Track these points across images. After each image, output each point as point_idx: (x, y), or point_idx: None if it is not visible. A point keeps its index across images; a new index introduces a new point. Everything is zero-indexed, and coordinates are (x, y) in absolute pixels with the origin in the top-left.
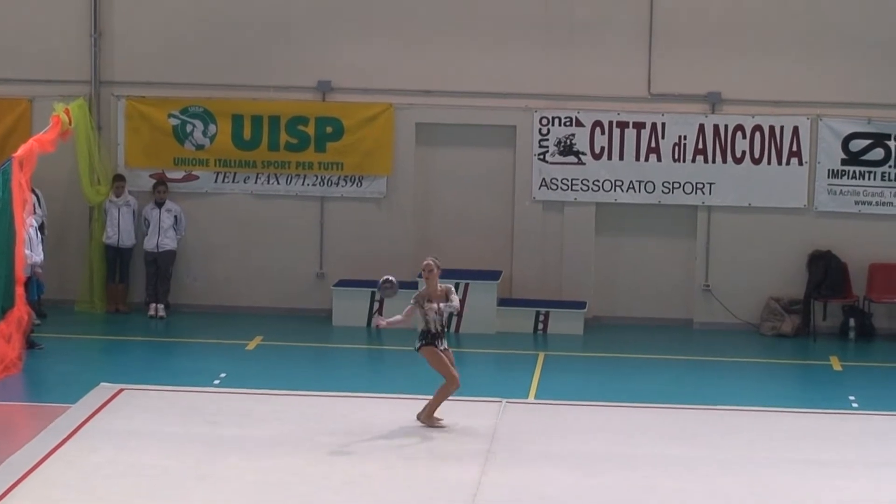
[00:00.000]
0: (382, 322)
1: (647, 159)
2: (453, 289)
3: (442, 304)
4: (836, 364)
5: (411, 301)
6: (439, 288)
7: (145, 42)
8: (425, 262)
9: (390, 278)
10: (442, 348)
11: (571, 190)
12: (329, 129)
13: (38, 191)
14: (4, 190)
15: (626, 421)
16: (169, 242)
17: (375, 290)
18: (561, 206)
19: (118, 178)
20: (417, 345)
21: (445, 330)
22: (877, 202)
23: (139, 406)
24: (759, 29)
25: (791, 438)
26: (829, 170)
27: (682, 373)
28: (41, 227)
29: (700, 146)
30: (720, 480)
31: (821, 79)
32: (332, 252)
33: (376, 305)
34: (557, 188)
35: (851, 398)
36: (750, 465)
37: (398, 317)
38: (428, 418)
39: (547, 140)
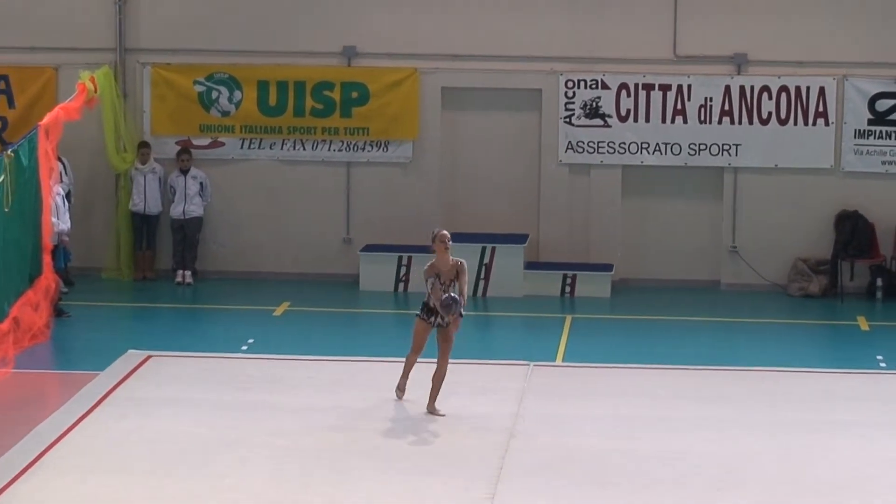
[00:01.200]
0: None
1: (672, 121)
2: (465, 267)
3: (449, 292)
4: (863, 324)
5: (428, 283)
6: (450, 262)
7: (170, 9)
8: (440, 233)
9: (453, 295)
10: (437, 323)
11: (598, 153)
12: (355, 95)
13: (64, 159)
14: (31, 158)
15: (654, 383)
16: (195, 209)
17: (449, 311)
18: (587, 169)
19: (144, 146)
20: (419, 312)
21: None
22: None
23: (167, 373)
24: None
25: (819, 399)
26: (855, 130)
27: (710, 334)
28: (68, 196)
29: (726, 108)
30: (749, 442)
31: (846, 39)
32: (358, 217)
33: (403, 270)
34: (584, 151)
35: (879, 358)
36: (778, 426)
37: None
38: (430, 406)
39: (573, 103)
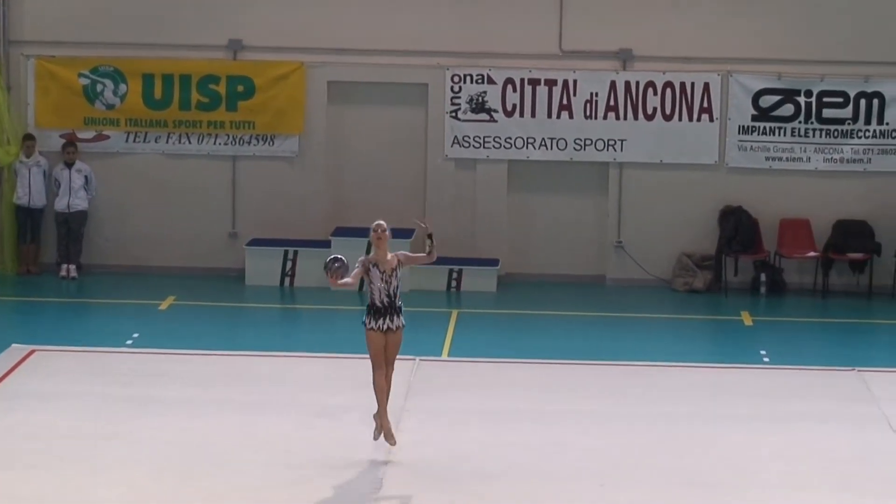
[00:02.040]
0: (335, 282)
1: (558, 116)
2: (408, 252)
3: (389, 279)
4: (747, 319)
5: (357, 264)
6: (389, 255)
7: (54, 1)
8: (375, 224)
9: (339, 257)
10: (387, 328)
11: (484, 147)
12: (240, 88)
13: None
14: None
15: (540, 377)
16: (80, 203)
17: (325, 269)
18: (473, 164)
19: (28, 138)
20: (364, 318)
21: (397, 303)
22: (787, 158)
23: (52, 367)
24: None
25: (703, 393)
26: (739, 126)
27: (596, 329)
28: None
29: (612, 103)
30: (633, 435)
31: (731, 35)
32: (244, 211)
33: (289, 265)
34: (470, 146)
35: (763, 352)
36: (663, 420)
37: (348, 279)
38: (382, 431)
39: (459, 98)
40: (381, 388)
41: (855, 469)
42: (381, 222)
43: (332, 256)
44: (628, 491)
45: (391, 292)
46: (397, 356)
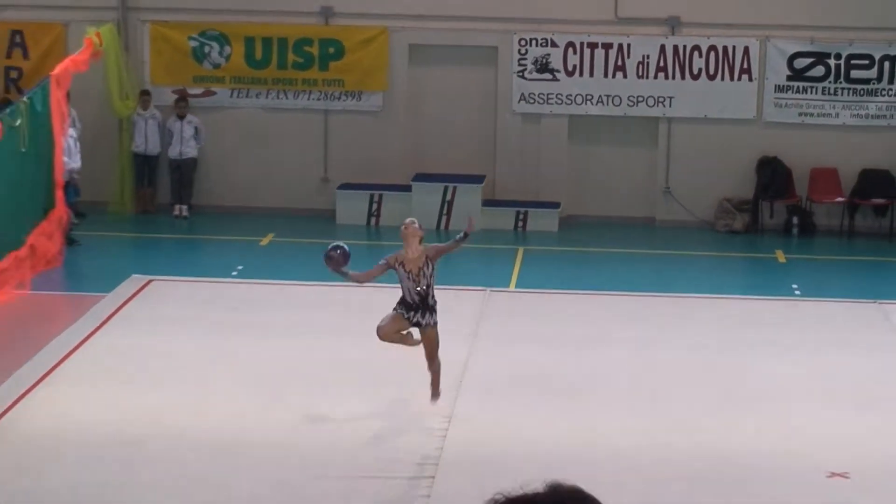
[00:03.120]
0: (335, 270)
1: (614, 76)
2: (437, 249)
3: (417, 278)
4: (780, 257)
5: (381, 260)
6: (418, 253)
7: None
8: (404, 223)
9: (339, 244)
10: (416, 321)
11: (547, 104)
12: (331, 50)
13: (72, 109)
14: (44, 105)
15: (595, 307)
16: (190, 151)
17: (326, 254)
18: (538, 118)
19: (144, 94)
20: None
21: (430, 302)
22: (818, 114)
23: (166, 295)
24: None
25: (741, 322)
26: (775, 85)
27: (646, 265)
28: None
29: (661, 64)
30: (679, 358)
31: (769, 4)
32: (334, 159)
33: (374, 206)
34: (535, 102)
35: (794, 286)
36: (705, 345)
37: (352, 273)
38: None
39: (525, 59)
40: (389, 338)
41: (875, 389)
42: (411, 219)
43: (332, 244)
44: (676, 404)
45: (421, 291)
46: (439, 349)
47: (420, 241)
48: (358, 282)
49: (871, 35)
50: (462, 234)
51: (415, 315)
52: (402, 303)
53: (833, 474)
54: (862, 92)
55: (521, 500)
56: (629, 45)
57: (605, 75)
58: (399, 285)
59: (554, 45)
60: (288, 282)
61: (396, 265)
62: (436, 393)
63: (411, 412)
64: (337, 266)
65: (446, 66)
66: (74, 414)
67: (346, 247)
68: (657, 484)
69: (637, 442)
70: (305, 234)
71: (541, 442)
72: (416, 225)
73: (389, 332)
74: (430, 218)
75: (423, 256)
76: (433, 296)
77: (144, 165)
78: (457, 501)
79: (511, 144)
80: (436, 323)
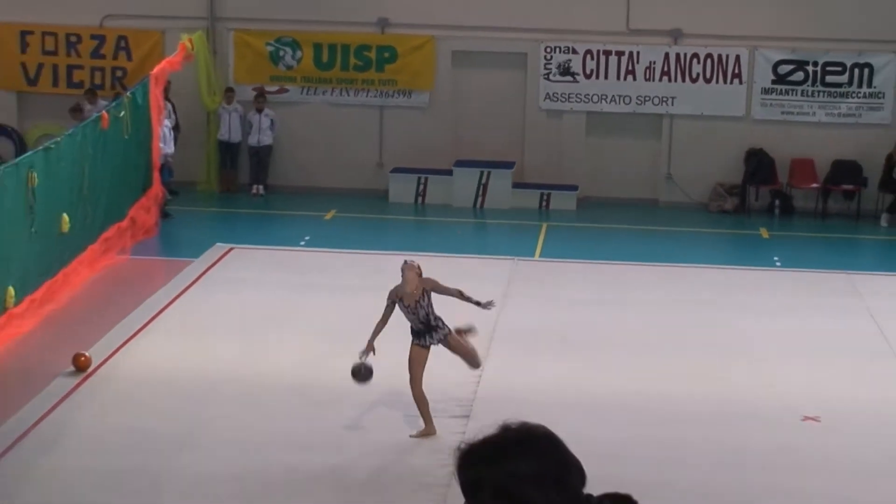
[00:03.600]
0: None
1: (625, 79)
2: (436, 281)
3: (416, 310)
4: (764, 234)
5: (387, 300)
6: (413, 288)
7: None
8: (409, 262)
9: (364, 366)
10: (429, 343)
11: (568, 102)
12: (386, 55)
13: (173, 100)
14: (144, 99)
15: (608, 274)
16: (266, 139)
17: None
18: (560, 114)
19: (228, 90)
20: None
21: (434, 324)
22: (797, 112)
23: (245, 261)
24: None
25: (730, 288)
26: (762, 87)
27: (650, 239)
28: (176, 127)
29: (665, 69)
30: (677, 317)
31: (757, 19)
32: (388, 147)
33: (421, 187)
34: (558, 100)
35: (776, 259)
36: (700, 307)
37: (378, 326)
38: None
39: (550, 64)
40: (421, 400)
41: (842, 345)
42: (409, 261)
43: (361, 365)
44: (674, 357)
45: (422, 319)
46: (474, 350)
47: (418, 275)
48: (379, 331)
49: (843, 46)
50: (477, 301)
51: (425, 339)
52: (413, 331)
53: (806, 417)
54: (835, 94)
55: (477, 444)
56: (638, 53)
57: (618, 78)
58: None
59: (574, 52)
60: (347, 250)
61: (397, 299)
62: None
63: (451, 360)
64: (365, 379)
65: (483, 69)
66: (166, 360)
67: (369, 365)
68: (658, 422)
69: (641, 387)
70: (362, 211)
71: (560, 387)
72: (415, 264)
73: (419, 375)
74: (468, 198)
75: (420, 289)
76: (434, 317)
77: (228, 151)
78: None
79: (537, 136)
80: (446, 334)
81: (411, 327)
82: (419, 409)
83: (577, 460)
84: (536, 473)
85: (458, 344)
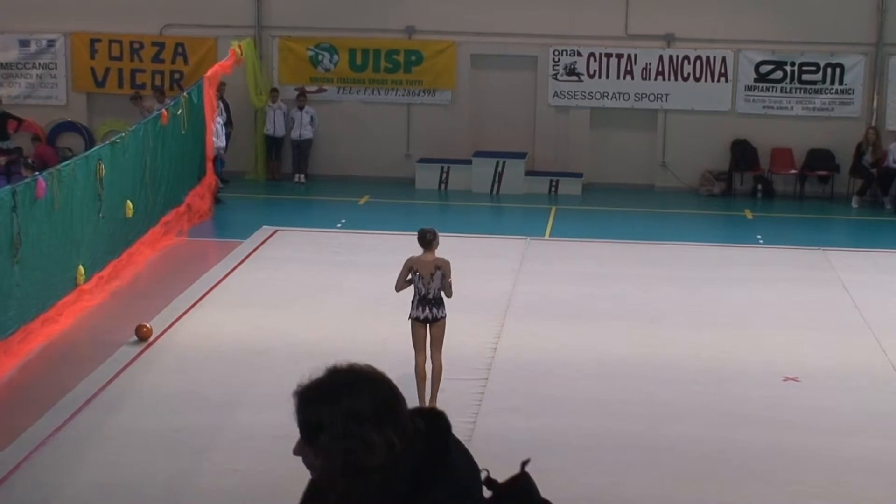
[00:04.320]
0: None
1: (624, 78)
2: (449, 267)
3: (429, 282)
4: (748, 215)
5: (405, 265)
6: (431, 258)
7: (293, 2)
8: (424, 230)
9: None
10: (425, 317)
11: (574, 99)
12: (413, 58)
13: (226, 100)
14: (199, 98)
15: (610, 251)
16: (307, 133)
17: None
18: (567, 110)
19: (274, 90)
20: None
21: (440, 297)
22: (777, 107)
23: (288, 241)
24: None
25: (718, 263)
26: (745, 85)
27: (647, 220)
28: (229, 122)
29: (660, 69)
30: (671, 290)
31: (741, 24)
32: (415, 139)
33: (445, 175)
34: (565, 98)
35: (759, 237)
36: (690, 281)
37: (397, 284)
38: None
39: (558, 65)
40: (421, 376)
41: (819, 313)
42: (430, 229)
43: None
44: (669, 325)
45: (431, 290)
46: (443, 342)
47: (435, 250)
48: (398, 290)
49: (817, 48)
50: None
51: (425, 310)
52: (415, 301)
53: (787, 378)
54: (810, 90)
55: (314, 386)
56: (636, 55)
57: (618, 77)
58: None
59: (579, 54)
60: (379, 231)
61: (413, 266)
62: (433, 399)
63: (470, 327)
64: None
65: (499, 70)
66: (219, 330)
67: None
68: (655, 383)
69: (640, 352)
70: (392, 196)
71: (568, 352)
72: (429, 234)
73: (422, 343)
74: (486, 184)
75: (434, 265)
76: (440, 295)
77: (273, 144)
78: (503, 398)
79: (547, 129)
80: (445, 316)
81: (414, 296)
82: (418, 384)
83: (401, 393)
84: (374, 410)
85: (443, 330)
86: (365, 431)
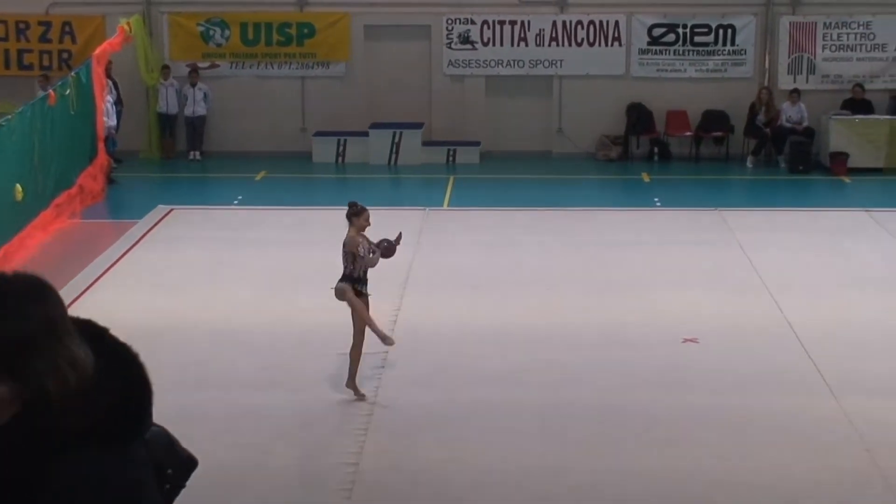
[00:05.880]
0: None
1: (518, 45)
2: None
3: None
4: (646, 178)
5: (353, 248)
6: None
7: None
8: (367, 213)
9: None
10: (365, 292)
11: (469, 67)
12: (306, 31)
13: (115, 78)
14: (88, 77)
15: (509, 219)
16: (200, 110)
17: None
18: (462, 79)
19: (165, 67)
20: (339, 283)
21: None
22: (671, 69)
23: (184, 220)
24: None
25: (617, 227)
26: (638, 49)
27: (546, 186)
28: (119, 101)
29: (553, 36)
30: (571, 255)
31: None
32: (310, 113)
33: (341, 148)
34: (459, 66)
35: (656, 200)
36: (591, 245)
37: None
38: (351, 385)
39: (452, 34)
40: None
41: (717, 274)
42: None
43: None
44: (569, 290)
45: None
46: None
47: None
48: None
49: (708, 10)
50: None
51: (364, 286)
52: (356, 279)
53: (686, 339)
54: (703, 52)
55: None
56: (529, 22)
57: (512, 45)
58: (360, 262)
59: (473, 22)
60: (277, 207)
61: (362, 241)
62: (353, 382)
63: (370, 300)
64: (389, 251)
65: (393, 41)
66: (116, 311)
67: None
68: (557, 349)
69: (539, 319)
70: (289, 171)
71: (469, 320)
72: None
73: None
74: (383, 156)
75: (367, 240)
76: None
77: (166, 122)
78: (403, 369)
79: (442, 99)
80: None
81: (358, 276)
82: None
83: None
84: (68, 320)
85: (368, 306)
86: (69, 345)
